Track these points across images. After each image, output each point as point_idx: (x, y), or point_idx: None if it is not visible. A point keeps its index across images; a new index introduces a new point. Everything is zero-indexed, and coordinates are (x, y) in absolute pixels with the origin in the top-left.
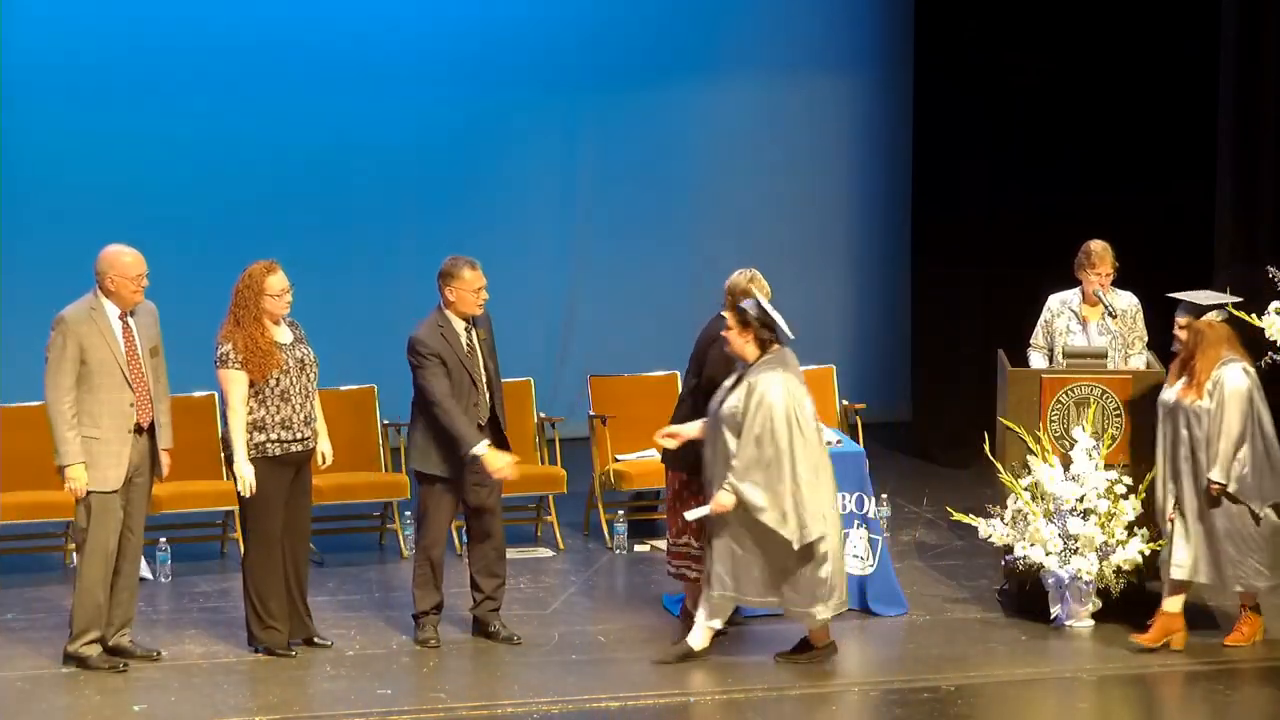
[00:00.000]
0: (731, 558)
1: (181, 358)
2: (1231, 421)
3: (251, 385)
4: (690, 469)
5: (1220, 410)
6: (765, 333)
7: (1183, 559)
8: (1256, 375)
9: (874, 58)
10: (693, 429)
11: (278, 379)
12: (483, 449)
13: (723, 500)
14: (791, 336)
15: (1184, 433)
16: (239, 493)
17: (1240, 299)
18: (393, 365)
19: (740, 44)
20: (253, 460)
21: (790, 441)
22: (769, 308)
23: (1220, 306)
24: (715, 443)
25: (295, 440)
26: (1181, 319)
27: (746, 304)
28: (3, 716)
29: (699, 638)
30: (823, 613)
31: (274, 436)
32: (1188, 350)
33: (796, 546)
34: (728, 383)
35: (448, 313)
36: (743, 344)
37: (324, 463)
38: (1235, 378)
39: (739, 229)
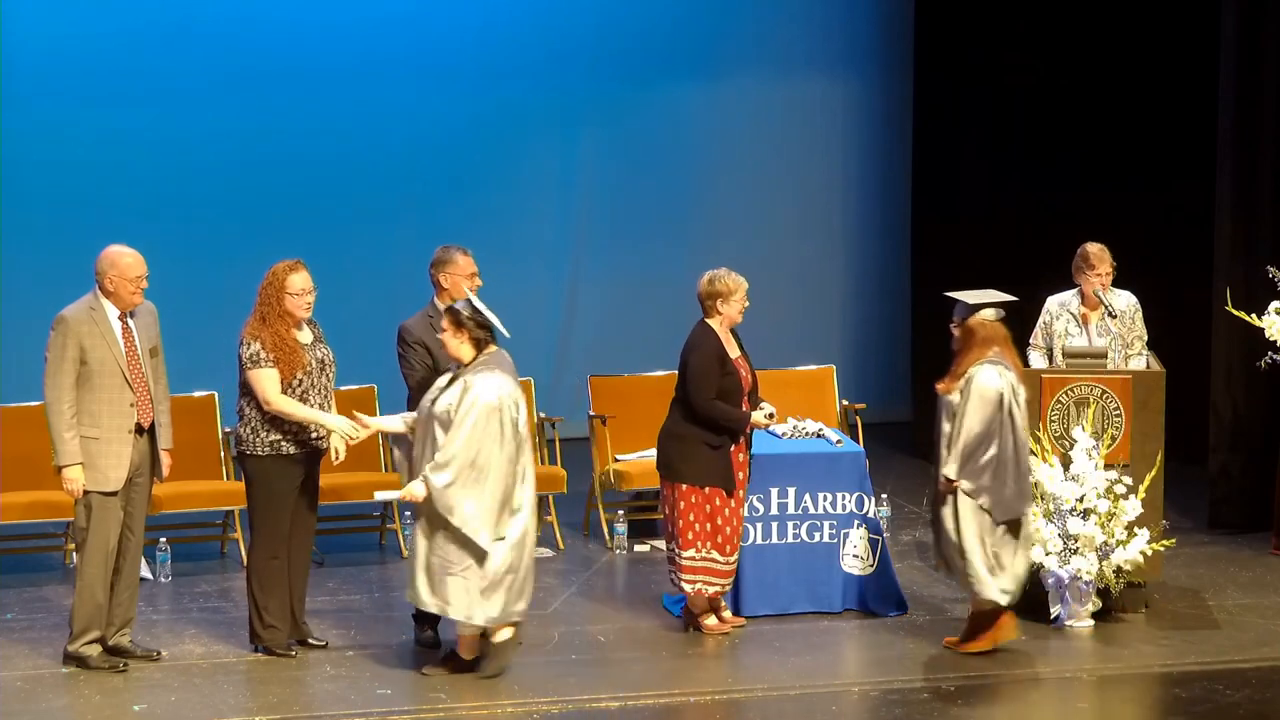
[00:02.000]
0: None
1: (182, 358)
2: (972, 421)
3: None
4: (666, 469)
5: (964, 407)
6: (480, 333)
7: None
8: (1016, 380)
9: (874, 58)
10: (389, 422)
11: (300, 379)
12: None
13: (414, 490)
14: (507, 335)
15: (941, 426)
16: (253, 489)
17: (1016, 299)
18: (393, 365)
19: (740, 44)
20: (266, 457)
21: (498, 443)
22: (483, 307)
23: (994, 305)
24: (426, 440)
25: (310, 440)
26: (956, 318)
27: (459, 304)
28: (3, 716)
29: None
30: (478, 618)
31: (290, 436)
32: (958, 348)
33: (487, 549)
34: (442, 381)
35: (439, 303)
36: (457, 344)
37: (337, 459)
38: (987, 378)
39: (739, 228)
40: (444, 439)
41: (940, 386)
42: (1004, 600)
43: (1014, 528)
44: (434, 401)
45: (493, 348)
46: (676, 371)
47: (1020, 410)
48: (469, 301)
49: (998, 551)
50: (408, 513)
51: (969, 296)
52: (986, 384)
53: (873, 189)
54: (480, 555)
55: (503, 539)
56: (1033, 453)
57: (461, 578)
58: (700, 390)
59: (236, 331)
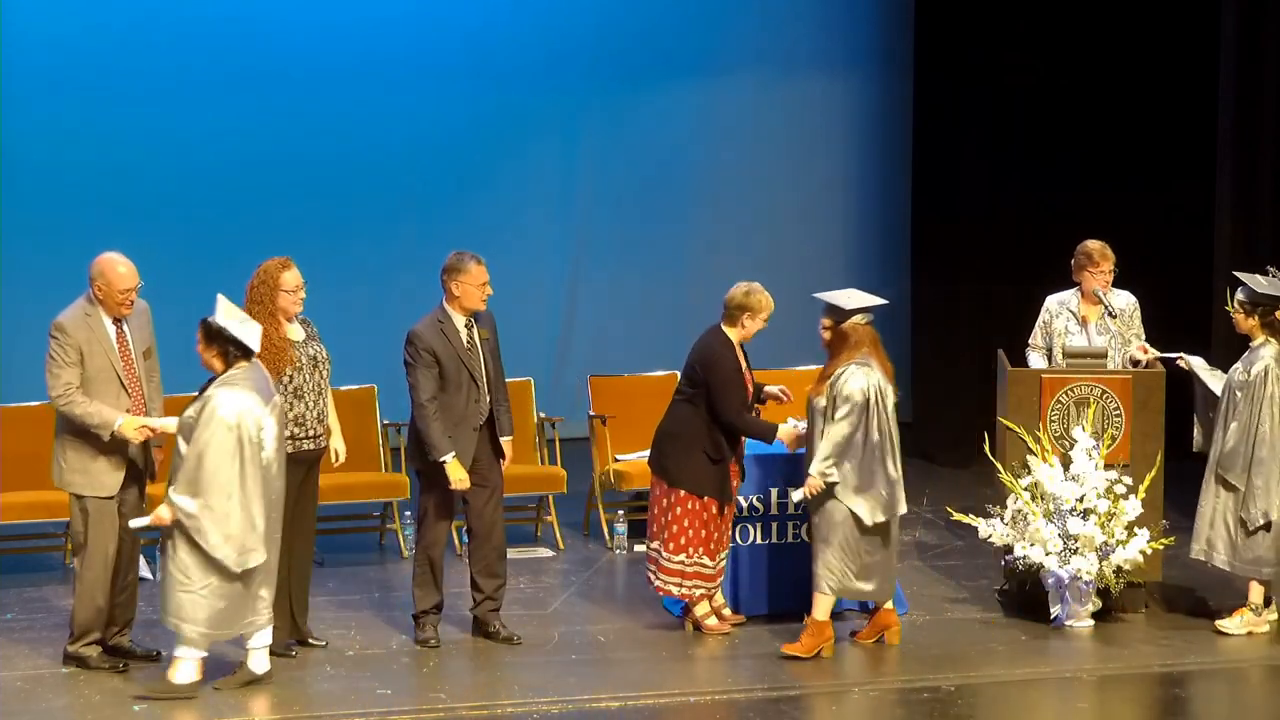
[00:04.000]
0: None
1: (179, 358)
2: (841, 423)
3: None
4: (662, 471)
5: (832, 410)
6: (230, 347)
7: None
8: (883, 381)
9: (874, 57)
10: (168, 423)
11: (291, 376)
12: (448, 459)
13: (161, 514)
14: (256, 349)
15: (811, 428)
16: None
17: (885, 301)
18: (393, 365)
19: (740, 44)
20: None
21: (235, 461)
22: (234, 322)
23: (865, 310)
24: (175, 451)
25: (308, 438)
26: (825, 320)
27: (211, 318)
28: (3, 716)
29: (260, 662)
30: (200, 640)
31: (287, 434)
32: (829, 350)
33: (236, 570)
34: (198, 392)
35: (449, 308)
36: (208, 358)
37: (337, 460)
38: (854, 381)
39: (739, 228)
40: (185, 450)
41: (810, 390)
42: (875, 600)
43: (883, 530)
44: (183, 411)
45: (244, 363)
46: (678, 372)
47: (887, 413)
48: (220, 313)
49: (866, 553)
50: (408, 513)
51: (840, 299)
52: (853, 386)
53: (873, 189)
54: (222, 573)
55: (245, 563)
56: (1031, 452)
57: (198, 595)
58: (729, 403)
59: None
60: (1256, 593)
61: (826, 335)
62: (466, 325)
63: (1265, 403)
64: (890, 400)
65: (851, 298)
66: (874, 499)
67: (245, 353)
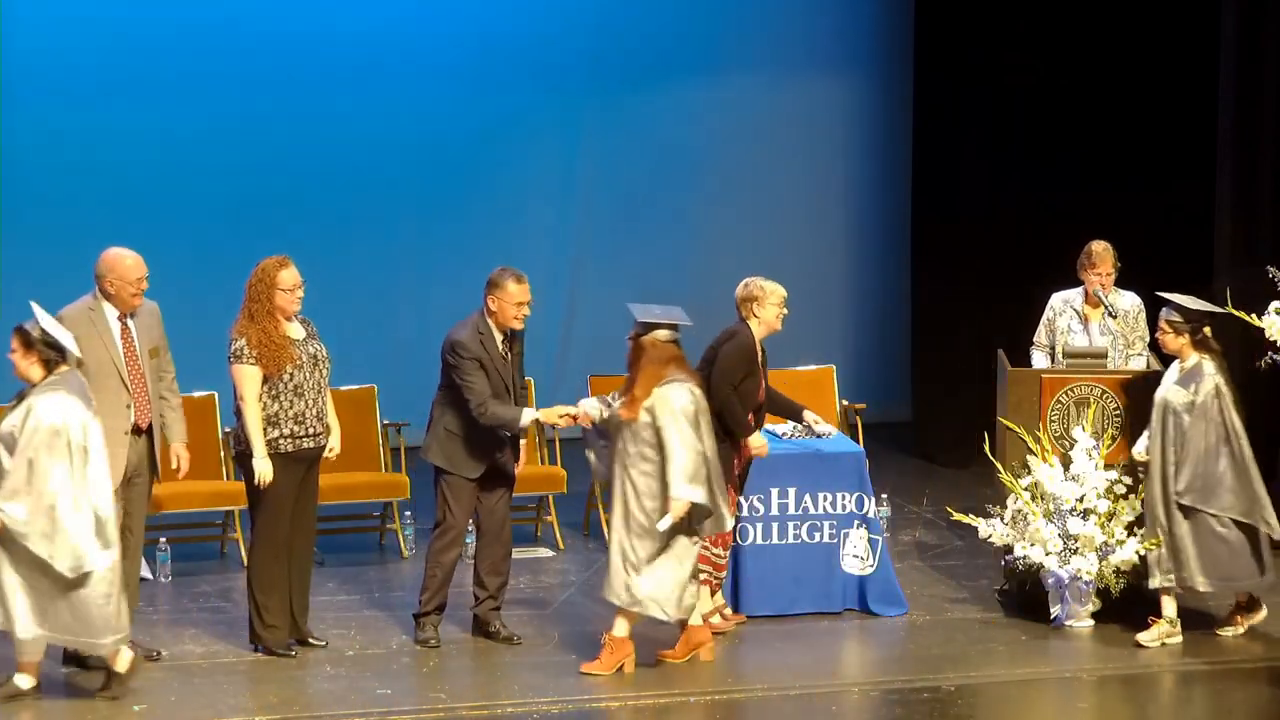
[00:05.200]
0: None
1: (182, 357)
2: (685, 438)
3: (265, 381)
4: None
5: (667, 430)
6: (50, 353)
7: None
8: (702, 397)
9: (874, 57)
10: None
11: (291, 374)
12: (533, 413)
13: None
14: (78, 354)
15: (626, 448)
16: (253, 488)
17: (690, 323)
18: (393, 365)
19: (740, 44)
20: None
21: (62, 467)
22: (54, 328)
23: (668, 327)
24: None
25: (308, 436)
26: (632, 333)
27: (28, 324)
28: (4, 716)
29: (24, 681)
30: (113, 643)
31: (287, 432)
32: (629, 366)
33: (71, 576)
34: (14, 402)
35: (489, 321)
36: (26, 365)
37: (330, 454)
38: (678, 397)
39: (739, 228)
40: (8, 463)
41: (623, 413)
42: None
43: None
44: (0, 422)
45: (64, 368)
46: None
47: (708, 430)
48: (36, 321)
49: (687, 566)
50: (408, 513)
51: (644, 313)
52: (679, 402)
53: (873, 189)
54: (58, 579)
55: (80, 568)
56: (1031, 452)
57: (34, 599)
58: (725, 378)
59: None
60: (1169, 606)
61: (631, 349)
62: (504, 340)
63: (1228, 416)
64: (708, 417)
65: (657, 312)
66: (716, 511)
67: (64, 358)
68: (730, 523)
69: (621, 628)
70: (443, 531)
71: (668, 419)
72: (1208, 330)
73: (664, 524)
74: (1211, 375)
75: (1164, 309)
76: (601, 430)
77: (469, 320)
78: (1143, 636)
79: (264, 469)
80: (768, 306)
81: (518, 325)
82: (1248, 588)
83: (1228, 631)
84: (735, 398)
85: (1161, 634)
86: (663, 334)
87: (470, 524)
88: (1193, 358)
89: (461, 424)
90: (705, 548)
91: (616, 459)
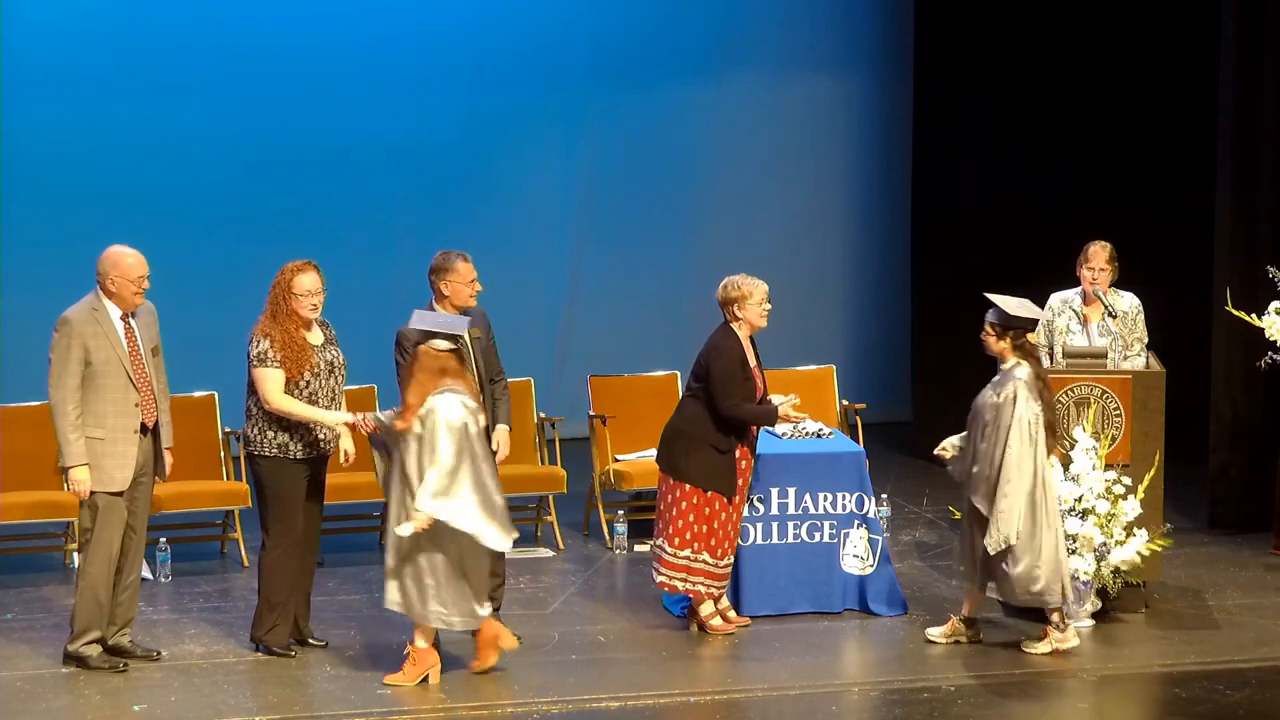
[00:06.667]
0: None
1: (181, 358)
2: (444, 452)
3: (288, 383)
4: (670, 467)
5: (432, 439)
6: None
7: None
8: (476, 408)
9: (874, 57)
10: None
11: (308, 381)
12: (344, 415)
13: None
14: None
15: (403, 457)
16: (265, 489)
17: (463, 334)
18: (392, 365)
19: (740, 44)
20: (273, 459)
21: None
22: None
23: (445, 336)
24: None
25: (318, 441)
26: (410, 341)
27: None
28: (3, 716)
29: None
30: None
31: (296, 438)
32: (403, 374)
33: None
34: None
35: (439, 308)
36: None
37: (346, 461)
38: (449, 409)
39: (739, 228)
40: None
41: (398, 423)
42: (482, 618)
43: (477, 549)
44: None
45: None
46: (678, 372)
47: (479, 439)
48: None
49: (467, 577)
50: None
51: (420, 320)
52: (450, 414)
53: (873, 189)
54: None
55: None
56: None
57: None
58: (726, 395)
59: (237, 331)
60: (1054, 612)
61: (400, 360)
62: None
63: (1015, 425)
64: (480, 426)
65: (432, 321)
66: (501, 523)
67: None
68: (502, 544)
69: (421, 638)
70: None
71: (433, 430)
72: (1031, 336)
73: (404, 530)
74: (1018, 381)
75: (988, 311)
76: (382, 440)
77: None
78: (1036, 647)
79: (338, 419)
80: (749, 306)
81: (472, 303)
82: (1052, 603)
83: (1041, 646)
84: (740, 406)
85: (1054, 640)
86: (440, 343)
87: None
88: (1010, 361)
89: None
90: (700, 557)
91: (394, 468)
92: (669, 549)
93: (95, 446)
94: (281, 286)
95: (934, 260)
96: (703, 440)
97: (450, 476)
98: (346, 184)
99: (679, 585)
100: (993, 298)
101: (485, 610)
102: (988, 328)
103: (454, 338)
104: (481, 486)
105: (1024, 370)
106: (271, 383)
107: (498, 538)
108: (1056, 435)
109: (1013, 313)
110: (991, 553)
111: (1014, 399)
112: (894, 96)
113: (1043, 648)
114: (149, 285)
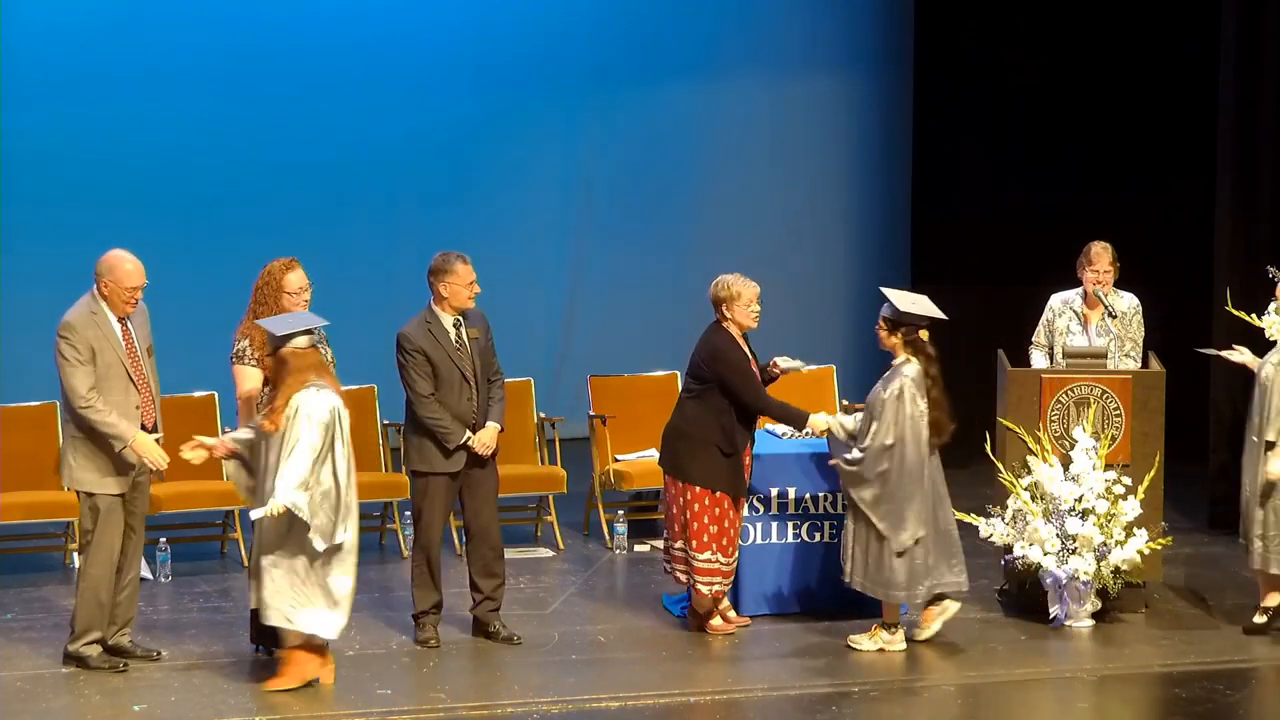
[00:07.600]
0: None
1: (180, 358)
2: (305, 445)
3: (266, 383)
4: (675, 469)
5: (294, 432)
6: None
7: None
8: (341, 404)
9: (874, 57)
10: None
11: None
12: (467, 437)
13: None
14: None
15: (273, 460)
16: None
17: (326, 321)
18: (393, 365)
19: (740, 44)
20: None
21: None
22: None
23: (303, 333)
24: None
25: None
26: (269, 349)
27: None
28: (3, 716)
29: None
30: None
31: None
32: (272, 379)
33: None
34: None
35: (436, 309)
36: None
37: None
38: (313, 404)
39: (739, 228)
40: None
41: (266, 425)
42: (334, 634)
43: (338, 553)
44: None
45: None
46: (678, 372)
47: (344, 436)
48: None
49: (324, 580)
50: (407, 513)
51: (276, 325)
52: (315, 408)
53: (873, 189)
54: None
55: None
56: (1031, 452)
57: None
58: (748, 386)
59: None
60: (890, 612)
61: (268, 363)
62: (455, 325)
63: (905, 422)
64: (347, 422)
65: (285, 322)
66: (325, 523)
67: None
68: (320, 544)
69: (292, 640)
70: (420, 530)
71: (297, 422)
72: (924, 333)
73: (255, 514)
74: (905, 377)
75: (882, 305)
76: (242, 455)
77: (416, 315)
78: (859, 640)
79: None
80: (738, 307)
81: (470, 305)
82: (887, 598)
83: (865, 640)
84: (766, 398)
85: (882, 640)
86: (301, 341)
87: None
88: (900, 358)
89: (424, 423)
90: (717, 557)
91: (266, 472)
92: (695, 554)
93: (97, 449)
94: (272, 286)
95: (934, 260)
96: (706, 441)
97: (310, 469)
98: (346, 184)
99: (703, 589)
100: (887, 293)
101: (339, 622)
102: (880, 322)
103: (310, 331)
104: (338, 481)
105: (912, 368)
106: (244, 380)
107: (320, 541)
108: (941, 433)
109: (904, 309)
110: (899, 551)
111: (900, 395)
112: (894, 96)
113: (868, 644)
114: (141, 297)
